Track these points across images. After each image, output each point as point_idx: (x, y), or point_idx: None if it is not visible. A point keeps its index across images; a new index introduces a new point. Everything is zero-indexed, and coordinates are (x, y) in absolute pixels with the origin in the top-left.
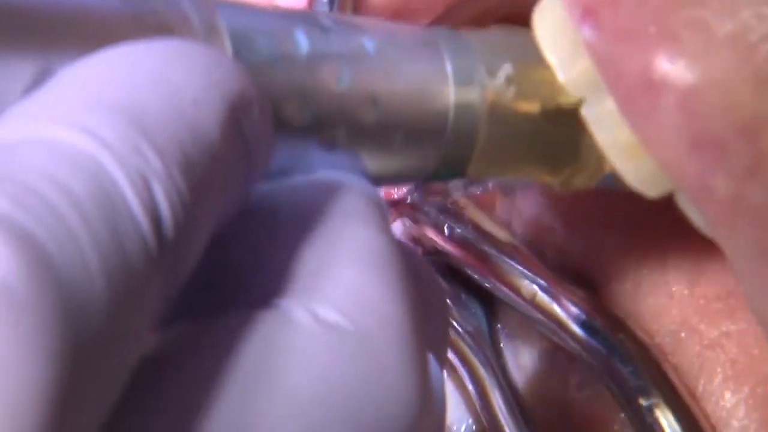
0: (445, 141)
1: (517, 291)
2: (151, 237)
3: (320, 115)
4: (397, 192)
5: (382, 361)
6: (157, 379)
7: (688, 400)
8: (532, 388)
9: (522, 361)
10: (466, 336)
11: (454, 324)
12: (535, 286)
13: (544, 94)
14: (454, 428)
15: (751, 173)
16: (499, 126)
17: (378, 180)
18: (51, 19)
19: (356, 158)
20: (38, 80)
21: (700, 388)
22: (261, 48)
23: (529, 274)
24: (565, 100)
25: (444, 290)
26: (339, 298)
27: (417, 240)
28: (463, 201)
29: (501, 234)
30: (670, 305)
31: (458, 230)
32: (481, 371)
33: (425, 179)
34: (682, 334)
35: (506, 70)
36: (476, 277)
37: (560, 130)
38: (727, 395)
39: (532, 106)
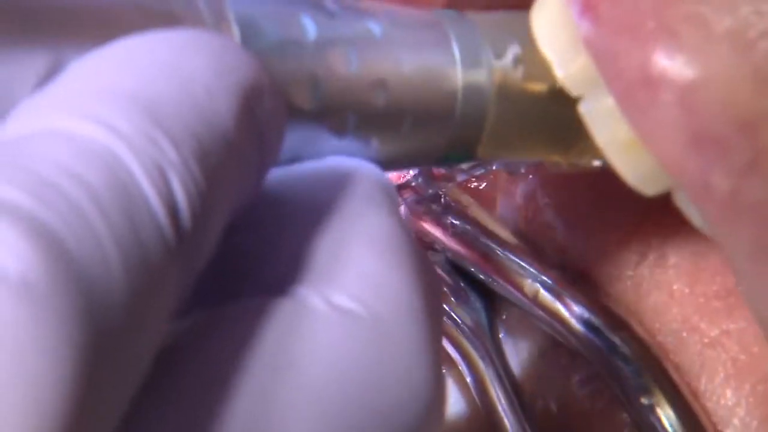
0: (454, 123)
1: (519, 288)
2: (169, 228)
3: (329, 101)
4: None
5: (398, 347)
6: (175, 370)
7: (689, 398)
8: (533, 384)
9: (523, 356)
10: (466, 330)
11: (455, 318)
12: (537, 284)
13: (551, 73)
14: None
15: (751, 170)
16: (507, 107)
17: (388, 165)
18: (60, 13)
19: (366, 143)
20: (50, 74)
21: (702, 387)
22: (269, 35)
23: (532, 271)
24: None
25: (439, 279)
26: (353, 285)
27: (417, 234)
28: (465, 199)
29: (503, 232)
30: (670, 304)
31: (461, 226)
32: (481, 366)
33: (435, 162)
34: (683, 333)
35: (514, 50)
36: (478, 273)
37: (568, 110)
38: (729, 393)
39: (539, 86)
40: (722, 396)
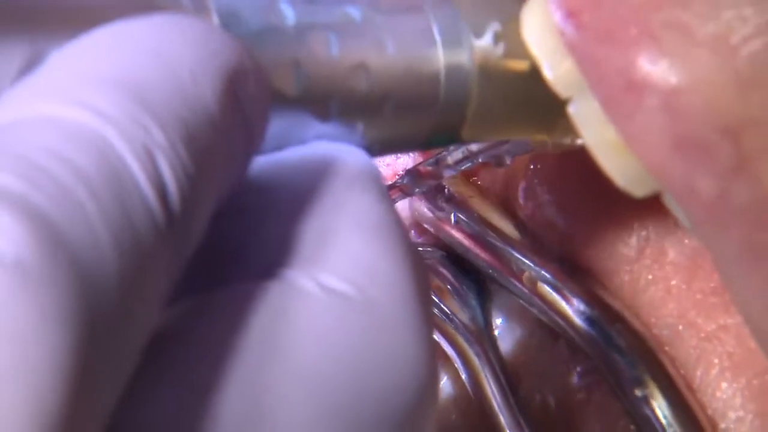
0: (437, 104)
1: (519, 280)
2: (159, 211)
3: (312, 86)
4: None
5: (389, 328)
6: (166, 356)
7: (683, 390)
8: (531, 378)
9: (519, 349)
10: (462, 327)
11: (450, 314)
12: (536, 276)
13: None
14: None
15: (735, 173)
16: (490, 86)
17: (373, 149)
18: (40, 3)
19: (351, 128)
20: (30, 65)
21: (698, 380)
22: (249, 22)
23: (532, 264)
24: None
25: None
26: (343, 266)
27: (419, 225)
28: (467, 191)
29: (504, 225)
30: (667, 299)
31: (463, 218)
32: (476, 362)
33: (421, 146)
34: (680, 327)
35: (493, 28)
36: (479, 265)
37: (550, 87)
38: (724, 386)
39: (521, 65)
40: (718, 389)
